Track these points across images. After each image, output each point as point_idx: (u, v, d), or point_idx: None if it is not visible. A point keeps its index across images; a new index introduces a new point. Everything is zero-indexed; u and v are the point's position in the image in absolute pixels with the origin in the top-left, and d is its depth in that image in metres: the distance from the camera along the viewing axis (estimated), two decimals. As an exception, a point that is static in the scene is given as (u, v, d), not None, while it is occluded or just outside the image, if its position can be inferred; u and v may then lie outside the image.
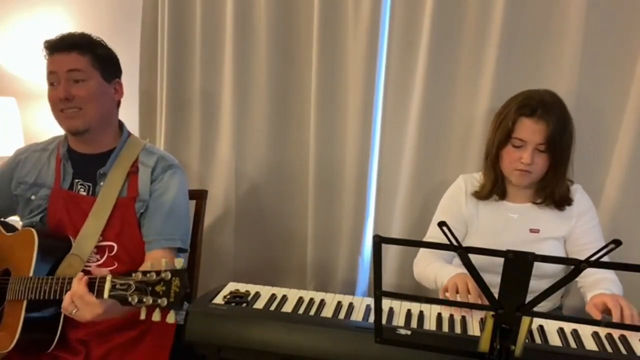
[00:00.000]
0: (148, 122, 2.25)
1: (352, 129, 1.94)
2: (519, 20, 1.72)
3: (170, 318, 1.08)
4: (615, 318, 1.31)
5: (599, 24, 1.66)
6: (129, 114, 2.17)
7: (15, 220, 1.65)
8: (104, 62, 1.52)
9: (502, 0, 1.70)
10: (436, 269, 1.54)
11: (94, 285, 1.17)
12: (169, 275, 1.07)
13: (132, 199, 1.50)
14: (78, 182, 1.53)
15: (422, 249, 1.69)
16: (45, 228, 1.52)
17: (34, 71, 2.40)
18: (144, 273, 1.09)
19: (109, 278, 1.14)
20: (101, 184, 1.50)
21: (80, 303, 1.18)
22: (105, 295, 1.13)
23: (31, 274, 1.38)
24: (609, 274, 1.52)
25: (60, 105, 1.46)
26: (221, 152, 2.12)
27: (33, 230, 1.44)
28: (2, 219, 1.65)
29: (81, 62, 1.47)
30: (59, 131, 1.63)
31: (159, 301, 1.07)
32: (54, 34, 1.50)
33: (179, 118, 2.15)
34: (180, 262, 1.08)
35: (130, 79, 2.17)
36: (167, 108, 2.13)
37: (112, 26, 2.30)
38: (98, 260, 1.47)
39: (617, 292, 1.45)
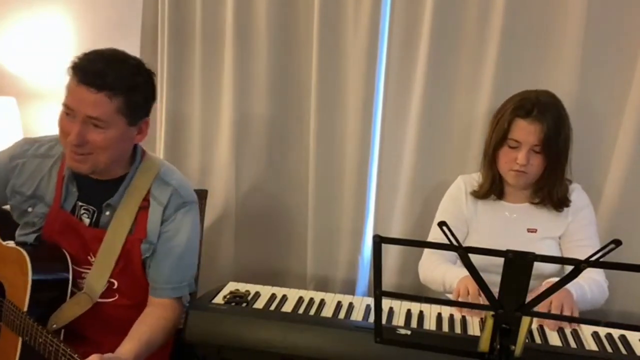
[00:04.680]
0: (148, 122, 2.25)
1: (352, 129, 1.94)
2: (519, 20, 1.72)
3: None
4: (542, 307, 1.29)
5: (599, 24, 1.66)
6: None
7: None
8: (136, 107, 1.29)
9: (502, 0, 1.70)
10: (443, 272, 1.53)
11: None
12: None
13: (139, 240, 1.36)
14: (82, 205, 1.39)
15: (425, 251, 1.69)
16: (39, 250, 1.39)
17: (34, 71, 2.39)
18: None
19: None
20: (107, 213, 1.37)
21: None
22: None
23: (26, 308, 1.29)
24: (597, 275, 1.51)
25: (69, 146, 1.26)
26: (221, 151, 2.12)
27: (25, 254, 1.32)
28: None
29: (106, 108, 1.23)
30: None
31: None
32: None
33: (179, 117, 2.15)
34: None
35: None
36: (167, 107, 2.13)
37: (112, 26, 2.30)
38: None
39: (588, 291, 1.43)
